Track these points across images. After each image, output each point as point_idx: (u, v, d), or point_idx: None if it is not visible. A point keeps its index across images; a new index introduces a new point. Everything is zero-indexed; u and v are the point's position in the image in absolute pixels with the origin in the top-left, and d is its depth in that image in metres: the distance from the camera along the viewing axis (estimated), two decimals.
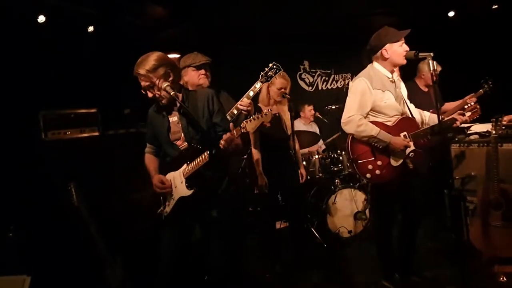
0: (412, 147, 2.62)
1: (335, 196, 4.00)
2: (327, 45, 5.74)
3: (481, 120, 3.12)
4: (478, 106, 2.76)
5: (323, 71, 6.26)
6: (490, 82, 3.70)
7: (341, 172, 4.18)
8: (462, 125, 3.07)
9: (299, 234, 3.61)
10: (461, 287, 2.34)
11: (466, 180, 3.27)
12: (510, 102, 3.27)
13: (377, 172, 2.61)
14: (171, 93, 2.13)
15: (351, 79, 5.74)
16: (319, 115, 5.04)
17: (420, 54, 2.45)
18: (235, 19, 4.63)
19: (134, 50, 2.35)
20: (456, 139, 3.43)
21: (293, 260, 3.49)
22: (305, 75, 6.17)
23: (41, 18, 3.51)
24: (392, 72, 2.69)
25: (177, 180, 2.26)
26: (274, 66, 2.78)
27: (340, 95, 4.68)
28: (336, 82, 6.33)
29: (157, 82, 2.15)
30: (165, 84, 2.15)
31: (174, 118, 2.28)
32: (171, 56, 3.35)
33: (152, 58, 2.15)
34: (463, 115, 2.68)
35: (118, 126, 3.76)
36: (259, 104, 3.41)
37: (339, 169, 4.17)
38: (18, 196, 3.10)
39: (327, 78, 6.29)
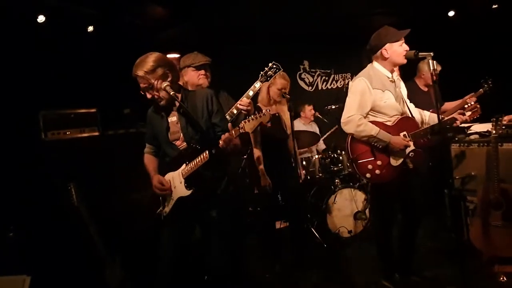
0: (412, 147, 2.62)
1: (335, 196, 4.00)
2: (327, 45, 5.74)
3: (481, 119, 3.11)
4: (478, 106, 2.75)
5: (323, 71, 6.26)
6: (490, 82, 3.71)
7: (341, 172, 4.18)
8: (462, 125, 3.07)
9: (299, 234, 3.62)
10: (461, 287, 2.34)
11: (466, 180, 3.26)
12: (510, 102, 3.26)
13: (377, 172, 2.61)
14: (171, 93, 2.14)
15: (351, 79, 5.76)
16: (319, 115, 5.04)
17: (420, 53, 2.45)
18: (235, 19, 4.63)
19: (134, 50, 2.35)
20: (456, 138, 3.42)
21: (293, 260, 3.49)
22: (305, 75, 6.18)
23: (41, 18, 3.51)
24: (392, 71, 2.69)
25: (176, 180, 2.26)
26: (274, 66, 2.77)
27: (340, 95, 4.68)
28: (336, 82, 6.33)
29: (155, 83, 2.15)
30: (164, 84, 2.15)
31: (173, 118, 2.28)
32: (171, 56, 3.36)
33: (150, 59, 2.15)
34: (463, 114, 2.68)
35: (118, 126, 3.76)
36: (259, 104, 3.41)
37: (339, 169, 4.17)
38: (18, 196, 3.10)
39: (327, 78, 6.29)
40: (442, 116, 2.50)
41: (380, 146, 2.60)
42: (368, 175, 2.63)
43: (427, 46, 2.40)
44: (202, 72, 2.80)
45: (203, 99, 2.25)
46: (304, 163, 4.20)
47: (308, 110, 5.08)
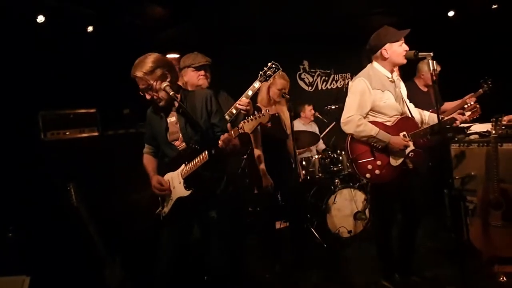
0: (412, 147, 2.62)
1: (335, 196, 4.00)
2: (327, 45, 5.74)
3: (481, 120, 3.12)
4: (478, 106, 2.75)
5: (322, 71, 6.26)
6: (489, 82, 3.71)
7: (341, 172, 4.18)
8: (462, 125, 3.07)
9: (299, 234, 3.61)
10: (461, 287, 2.33)
11: (466, 180, 3.26)
12: (510, 102, 3.26)
13: (377, 172, 2.61)
14: (170, 93, 2.13)
15: (351, 79, 5.76)
16: (318, 115, 5.04)
17: (420, 53, 2.45)
18: (235, 19, 4.63)
19: (134, 50, 2.35)
20: (456, 138, 3.43)
21: (293, 260, 3.48)
22: (304, 75, 6.17)
23: (41, 18, 3.51)
24: (391, 72, 2.69)
25: (175, 181, 2.25)
26: (273, 66, 2.77)
27: (340, 95, 4.68)
28: (336, 82, 6.33)
29: (154, 84, 2.15)
30: (164, 84, 2.15)
31: (172, 119, 2.28)
32: (171, 56, 3.35)
33: (149, 60, 2.14)
34: (463, 114, 2.68)
35: (117, 126, 3.76)
36: (258, 104, 3.41)
37: (338, 169, 4.17)
38: (17, 197, 3.10)
39: (326, 78, 6.29)
40: (442, 116, 2.49)
41: (380, 146, 2.60)
42: (368, 175, 2.63)
43: (427, 46, 2.40)
44: (202, 72, 2.80)
45: (202, 100, 2.25)
46: (304, 163, 4.20)
47: (308, 110, 5.08)
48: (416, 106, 2.87)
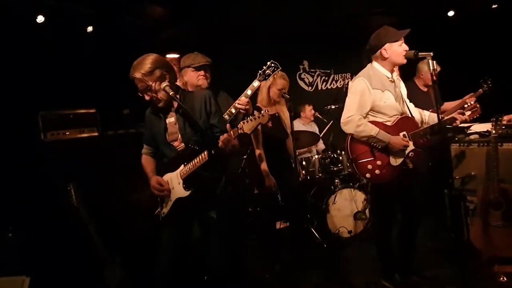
0: (412, 147, 2.62)
1: (335, 196, 4.00)
2: (327, 45, 5.74)
3: (481, 119, 3.11)
4: (478, 105, 2.75)
5: (322, 71, 6.26)
6: (489, 82, 3.71)
7: (341, 172, 4.17)
8: (462, 125, 3.07)
9: (299, 234, 3.61)
10: (461, 287, 2.33)
11: (466, 180, 3.26)
12: (510, 102, 3.26)
13: (377, 172, 2.61)
14: (170, 93, 2.13)
15: (351, 79, 5.75)
16: (318, 115, 5.04)
17: (419, 53, 2.45)
18: (235, 19, 4.63)
19: (134, 51, 2.35)
20: (456, 138, 3.42)
21: (293, 260, 3.48)
22: (304, 75, 6.17)
23: (40, 18, 3.51)
24: (391, 71, 2.69)
25: (174, 181, 2.25)
26: (272, 65, 2.76)
27: (340, 95, 4.68)
28: (336, 82, 6.33)
29: (153, 85, 2.14)
30: (164, 84, 2.15)
31: (171, 119, 2.28)
32: (171, 56, 3.36)
33: (147, 61, 2.14)
34: (463, 114, 2.68)
35: (117, 127, 3.76)
36: (258, 104, 3.41)
37: (338, 169, 4.17)
38: (17, 197, 3.10)
39: (326, 78, 6.29)
40: (442, 116, 2.49)
41: (380, 146, 2.60)
42: (368, 175, 2.62)
43: (427, 46, 2.40)
44: (202, 72, 2.80)
45: (201, 100, 2.25)
46: (304, 163, 4.20)
47: (308, 110, 5.08)
48: (416, 106, 2.86)
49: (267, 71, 2.75)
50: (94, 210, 2.91)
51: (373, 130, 2.56)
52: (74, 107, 3.59)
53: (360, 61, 3.13)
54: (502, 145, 2.97)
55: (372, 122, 2.61)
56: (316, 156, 4.26)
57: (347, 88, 2.77)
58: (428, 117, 2.80)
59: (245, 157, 3.62)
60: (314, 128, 5.05)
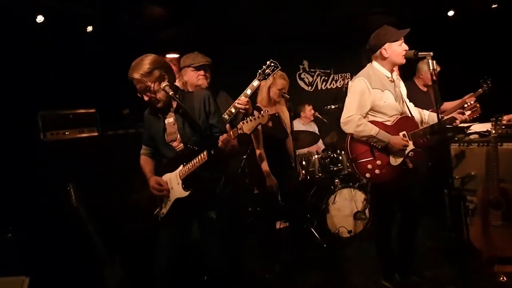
0: (412, 147, 2.62)
1: (335, 196, 4.00)
2: (327, 45, 5.74)
3: (481, 119, 3.12)
4: (478, 105, 2.75)
5: (322, 70, 6.26)
6: (489, 82, 3.71)
7: (341, 172, 4.17)
8: (462, 125, 3.07)
9: (299, 234, 3.61)
10: (461, 287, 2.33)
11: (466, 180, 3.26)
12: (510, 102, 3.26)
13: (377, 171, 2.61)
14: (170, 93, 2.13)
15: (351, 79, 5.75)
16: (318, 115, 5.04)
17: (419, 53, 2.44)
18: (235, 19, 4.63)
19: (134, 50, 2.35)
20: (456, 138, 3.42)
21: (293, 260, 3.48)
22: (304, 74, 6.17)
23: (40, 18, 3.51)
24: (391, 71, 2.69)
25: (173, 182, 2.25)
26: (272, 64, 2.76)
27: (339, 95, 4.68)
28: (336, 82, 6.33)
29: (152, 85, 2.14)
30: (164, 84, 2.15)
31: (170, 119, 2.27)
32: (170, 56, 3.35)
33: (146, 62, 2.14)
34: (463, 114, 2.68)
35: (117, 127, 3.76)
36: (258, 105, 3.41)
37: (338, 169, 4.16)
38: (17, 197, 3.10)
39: (326, 78, 6.29)
40: (442, 116, 2.49)
41: (380, 146, 2.59)
42: (367, 174, 2.62)
43: (427, 46, 2.40)
44: (202, 72, 2.79)
45: (200, 100, 2.24)
46: (303, 163, 4.20)
47: (308, 110, 5.08)
48: (415, 106, 2.86)
49: (266, 71, 2.75)
50: (94, 210, 2.90)
51: (373, 130, 2.55)
52: (73, 107, 3.59)
53: (359, 61, 3.13)
54: (502, 145, 2.97)
55: (372, 122, 2.61)
56: (316, 156, 4.26)
57: (346, 88, 2.77)
58: (427, 116, 2.80)
59: (245, 157, 3.62)
60: (314, 128, 5.05)
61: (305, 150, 4.47)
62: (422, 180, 2.83)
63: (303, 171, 4.16)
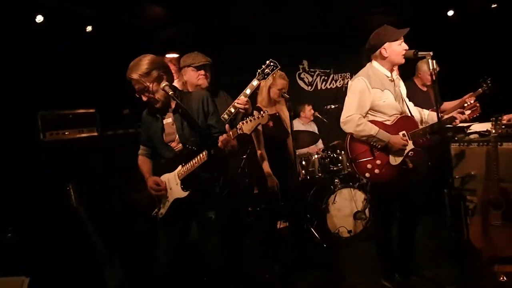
0: (411, 146, 2.62)
1: (335, 196, 4.00)
2: (326, 45, 5.74)
3: (480, 119, 3.11)
4: (477, 104, 2.75)
5: (322, 70, 6.26)
6: (488, 81, 3.71)
7: (341, 171, 4.17)
8: (462, 124, 3.07)
9: (298, 234, 3.61)
10: (461, 287, 2.33)
11: (466, 179, 3.26)
12: (509, 102, 3.26)
13: (376, 171, 2.60)
14: (170, 93, 2.13)
15: (350, 79, 5.75)
16: (318, 115, 5.04)
17: (419, 53, 2.44)
18: (235, 19, 4.63)
19: (134, 50, 2.34)
20: (456, 138, 3.42)
21: (293, 260, 3.48)
22: (304, 74, 6.17)
23: (39, 18, 3.51)
24: (391, 71, 2.69)
25: (172, 182, 2.24)
26: (271, 63, 2.75)
27: (339, 95, 4.68)
28: (335, 81, 6.33)
29: (150, 85, 2.14)
30: (163, 84, 2.14)
31: (168, 120, 2.27)
32: (170, 56, 3.36)
33: (144, 62, 2.13)
34: (463, 113, 2.67)
35: (116, 127, 3.76)
36: (259, 105, 3.40)
37: (338, 168, 4.16)
38: (17, 197, 3.10)
39: (326, 78, 6.29)
40: (441, 115, 2.49)
41: (379, 146, 2.59)
42: (367, 174, 2.62)
43: (426, 46, 2.39)
44: (202, 72, 2.79)
45: (198, 101, 2.24)
46: (303, 162, 4.19)
47: (308, 110, 5.08)
48: (415, 105, 2.86)
49: (266, 70, 2.74)
50: (94, 210, 2.90)
51: (373, 130, 2.55)
52: (73, 107, 3.58)
53: (359, 61, 3.13)
54: (502, 144, 2.97)
55: (372, 122, 2.61)
56: (316, 156, 4.26)
57: (346, 88, 2.76)
58: (427, 115, 2.80)
59: (244, 157, 3.62)
60: (314, 128, 5.04)
61: (304, 150, 4.47)
62: (422, 179, 2.84)
63: (303, 171, 4.15)
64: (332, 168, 4.17)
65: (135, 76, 2.12)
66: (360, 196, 4.05)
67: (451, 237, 3.46)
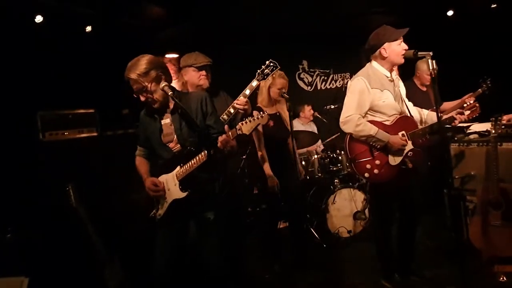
0: (411, 146, 2.62)
1: (334, 196, 4.00)
2: (326, 45, 5.74)
3: (480, 119, 3.11)
4: (477, 105, 2.75)
5: (322, 70, 6.26)
6: (488, 82, 3.70)
7: (340, 172, 4.17)
8: (461, 125, 3.07)
9: (298, 234, 3.61)
10: (461, 287, 2.33)
11: (466, 180, 3.26)
12: (509, 102, 3.26)
13: (376, 171, 2.60)
14: (169, 93, 2.12)
15: (350, 79, 5.75)
16: (318, 115, 5.04)
17: (419, 53, 2.44)
18: (235, 19, 4.63)
19: (133, 50, 2.34)
20: (456, 138, 3.42)
21: (292, 260, 3.48)
22: (304, 74, 6.18)
23: (39, 18, 3.50)
24: (391, 71, 2.69)
25: (170, 183, 2.24)
26: (271, 64, 2.74)
27: (339, 95, 4.68)
28: (335, 81, 6.33)
29: (149, 85, 2.13)
30: (163, 84, 2.14)
31: (166, 120, 2.26)
32: (170, 56, 3.36)
33: (143, 62, 2.13)
34: (462, 113, 2.67)
35: (116, 127, 3.75)
36: (259, 105, 3.40)
37: (338, 169, 4.16)
38: (16, 197, 3.09)
39: (326, 78, 6.29)
40: (441, 115, 2.49)
41: (379, 146, 2.59)
42: (366, 174, 2.62)
43: (426, 46, 2.39)
44: (203, 72, 2.79)
45: (197, 101, 2.23)
46: (303, 162, 4.19)
47: (308, 110, 5.07)
48: (414, 105, 2.86)
49: (265, 70, 2.74)
50: (93, 210, 2.90)
51: (372, 130, 2.55)
52: (73, 107, 3.58)
53: (359, 61, 3.13)
54: (501, 144, 2.97)
55: (371, 122, 2.61)
56: (316, 156, 4.26)
57: (346, 88, 2.76)
58: (426, 115, 2.80)
59: (244, 157, 3.62)
60: (313, 128, 5.04)
61: (304, 150, 4.47)
62: (421, 180, 2.83)
63: (303, 171, 4.15)
64: (331, 168, 4.17)
65: (133, 76, 2.11)
66: (359, 196, 4.05)
67: (451, 237, 3.46)
